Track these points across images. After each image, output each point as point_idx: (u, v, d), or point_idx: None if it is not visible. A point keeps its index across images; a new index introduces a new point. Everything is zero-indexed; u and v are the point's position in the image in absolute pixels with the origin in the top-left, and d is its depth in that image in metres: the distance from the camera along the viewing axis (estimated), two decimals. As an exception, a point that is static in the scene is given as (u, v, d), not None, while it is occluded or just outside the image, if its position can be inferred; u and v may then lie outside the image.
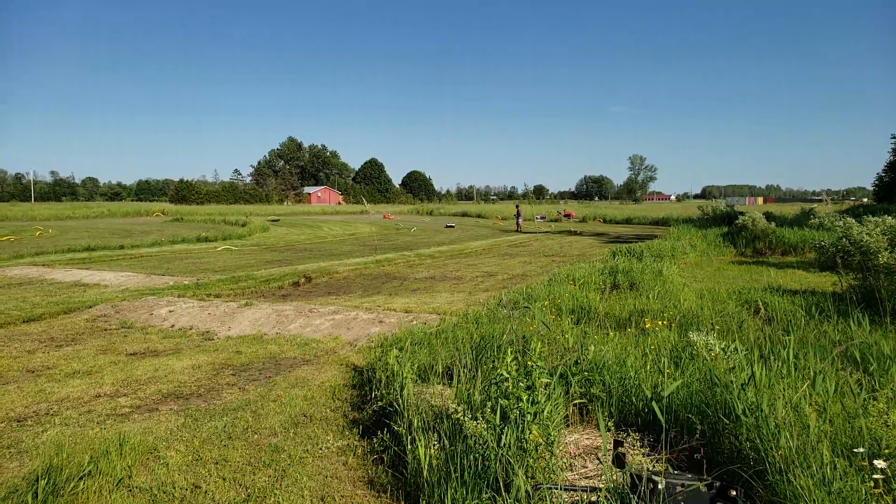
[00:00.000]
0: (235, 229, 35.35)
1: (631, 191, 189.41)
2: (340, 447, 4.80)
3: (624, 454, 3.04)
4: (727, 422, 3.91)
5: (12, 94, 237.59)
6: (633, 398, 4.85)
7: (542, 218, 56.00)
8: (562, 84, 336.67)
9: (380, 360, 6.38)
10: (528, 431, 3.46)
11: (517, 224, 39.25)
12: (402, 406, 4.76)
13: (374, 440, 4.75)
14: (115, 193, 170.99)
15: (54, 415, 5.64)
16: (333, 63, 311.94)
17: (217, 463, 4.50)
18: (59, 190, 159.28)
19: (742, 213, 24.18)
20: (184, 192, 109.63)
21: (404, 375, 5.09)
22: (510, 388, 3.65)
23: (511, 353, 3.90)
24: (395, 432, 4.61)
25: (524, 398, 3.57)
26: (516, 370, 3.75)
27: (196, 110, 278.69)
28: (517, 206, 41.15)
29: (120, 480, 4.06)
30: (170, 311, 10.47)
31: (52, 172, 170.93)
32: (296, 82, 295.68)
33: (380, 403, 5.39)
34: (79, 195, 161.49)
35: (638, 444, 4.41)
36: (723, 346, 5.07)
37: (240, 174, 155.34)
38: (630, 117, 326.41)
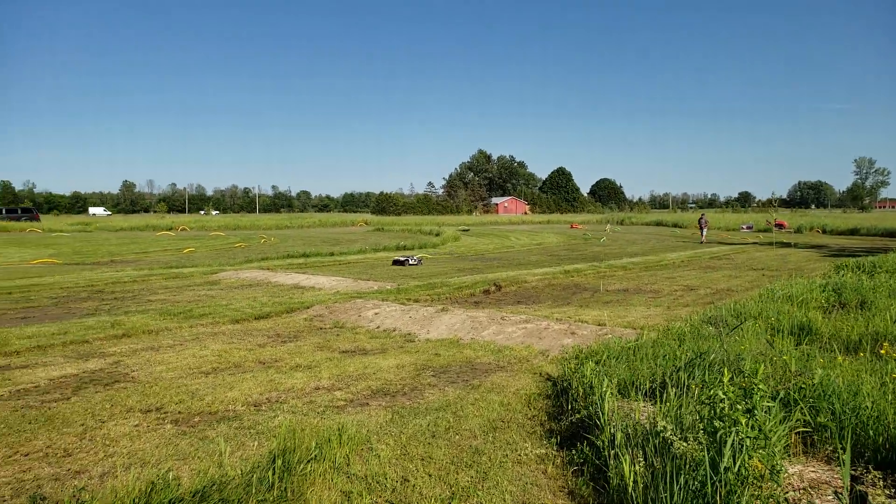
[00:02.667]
0: (430, 238, 37.17)
1: (857, 198, 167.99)
2: (539, 455, 4.82)
3: (866, 493, 2.71)
4: None
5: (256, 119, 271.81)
6: (871, 431, 4.29)
7: (748, 228, 51.75)
8: (767, 81, 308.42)
9: (575, 372, 6.32)
10: (746, 457, 3.22)
11: (701, 235, 36.66)
12: (602, 420, 4.68)
13: (574, 452, 4.71)
14: (325, 205, 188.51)
15: (282, 402, 6.34)
16: (522, 73, 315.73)
17: (423, 459, 4.75)
18: (279, 202, 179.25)
19: None
20: (383, 204, 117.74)
21: (604, 389, 4.98)
22: (726, 409, 3.42)
23: (728, 372, 3.65)
24: (594, 446, 4.53)
25: (742, 422, 3.33)
26: (734, 391, 3.51)
27: (395, 127, 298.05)
28: (702, 215, 38.46)
29: (339, 467, 4.45)
30: (375, 314, 11.29)
31: (273, 187, 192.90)
32: (486, 95, 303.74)
33: (577, 416, 5.34)
34: (294, 207, 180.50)
35: (880, 482, 3.90)
36: None
37: (433, 186, 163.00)
38: (852, 115, 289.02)
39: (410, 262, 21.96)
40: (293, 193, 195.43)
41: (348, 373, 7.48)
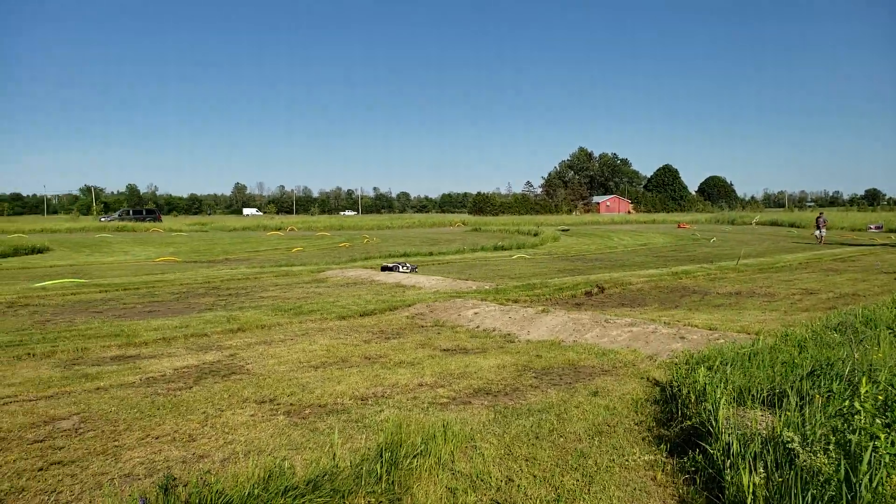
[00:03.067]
0: (528, 239, 36.92)
1: None
2: (648, 462, 4.66)
3: None
4: None
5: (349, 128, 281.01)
6: None
7: (877, 228, 47.82)
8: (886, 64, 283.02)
9: (686, 377, 6.06)
10: (885, 475, 2.95)
11: (819, 236, 33.79)
12: (716, 428, 4.45)
13: (685, 459, 4.52)
14: (423, 206, 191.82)
15: (387, 398, 6.49)
16: (624, 68, 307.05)
17: (527, 460, 4.71)
18: (379, 203, 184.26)
19: None
20: (481, 204, 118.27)
21: (718, 396, 4.74)
22: (863, 422, 3.16)
23: (866, 382, 3.37)
24: (708, 454, 4.32)
25: (881, 437, 3.06)
26: (871, 403, 3.23)
27: (493, 127, 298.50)
28: (820, 214, 35.74)
29: (444, 463, 4.50)
30: (475, 313, 11.33)
31: (375, 188, 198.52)
32: (587, 92, 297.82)
33: (688, 422, 5.12)
34: (394, 207, 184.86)
35: None
36: None
37: (531, 186, 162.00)
38: None
39: (401, 270, 19.25)
40: (393, 195, 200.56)
41: (450, 371, 7.55)
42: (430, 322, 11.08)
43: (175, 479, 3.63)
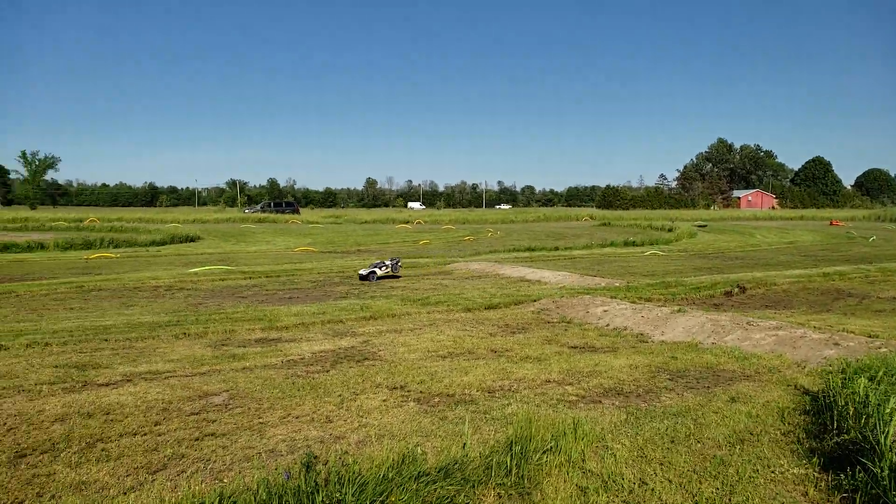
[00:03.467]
0: (661, 234, 35.45)
1: None
2: (797, 475, 4.31)
3: None
4: None
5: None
6: None
7: None
8: None
9: (843, 387, 5.54)
10: None
11: None
12: (882, 445, 4.03)
13: (842, 476, 4.13)
14: (548, 199, 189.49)
15: (514, 392, 6.48)
16: (766, 54, 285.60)
17: (661, 464, 4.52)
18: (503, 197, 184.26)
19: None
20: (610, 198, 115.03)
21: (886, 410, 4.29)
22: None
23: None
24: (871, 473, 3.92)
25: None
26: None
27: (621, 116, 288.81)
28: None
29: (574, 461, 4.42)
30: (604, 311, 11.04)
31: (499, 182, 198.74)
32: (727, 80, 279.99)
33: (846, 436, 4.68)
34: (518, 201, 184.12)
35: None
36: None
37: (665, 179, 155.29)
38: None
39: (381, 271, 16.52)
40: (517, 188, 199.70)
41: (578, 368, 7.41)
42: (556, 318, 10.94)
43: (315, 457, 3.84)
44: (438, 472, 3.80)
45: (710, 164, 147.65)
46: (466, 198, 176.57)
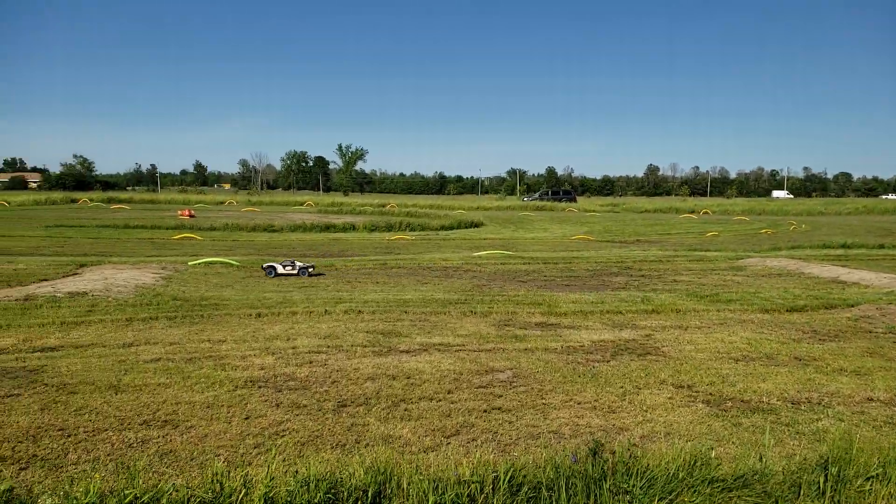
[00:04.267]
0: None
1: None
2: None
3: None
4: None
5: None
6: None
7: None
8: None
9: None
10: None
11: None
12: None
13: None
14: (869, 189, 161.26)
15: (825, 406, 5.69)
16: None
17: None
18: (809, 185, 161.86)
19: None
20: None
21: None
22: None
23: None
24: None
25: None
26: None
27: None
28: None
29: None
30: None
31: (805, 168, 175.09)
32: None
33: None
34: (829, 190, 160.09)
35: None
36: None
37: None
38: None
39: (282, 271, 14.17)
40: (829, 175, 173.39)
41: None
42: (881, 327, 9.30)
43: (602, 444, 3.83)
44: (735, 480, 3.51)
45: None
46: (763, 185, 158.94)
